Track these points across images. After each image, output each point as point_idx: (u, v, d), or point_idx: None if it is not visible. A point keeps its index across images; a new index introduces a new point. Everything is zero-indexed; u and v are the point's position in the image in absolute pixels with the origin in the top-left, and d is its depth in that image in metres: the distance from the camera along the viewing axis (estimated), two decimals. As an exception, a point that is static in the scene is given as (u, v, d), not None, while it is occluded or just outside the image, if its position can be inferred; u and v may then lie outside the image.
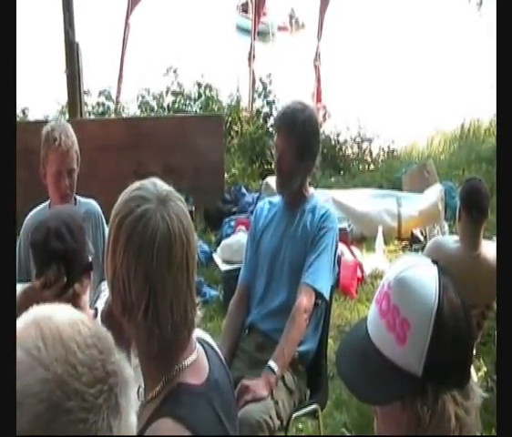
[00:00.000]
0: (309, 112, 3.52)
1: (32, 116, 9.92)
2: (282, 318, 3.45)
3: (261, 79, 11.15)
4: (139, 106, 10.73)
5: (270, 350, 3.44)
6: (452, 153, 11.15)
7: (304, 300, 3.37)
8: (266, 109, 10.92)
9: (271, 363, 3.24)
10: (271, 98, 10.98)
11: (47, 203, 3.60)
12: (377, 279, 6.32)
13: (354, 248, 6.87)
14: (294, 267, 3.49)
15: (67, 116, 8.99)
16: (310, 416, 3.73)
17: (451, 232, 6.83)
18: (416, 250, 6.92)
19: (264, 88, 11.07)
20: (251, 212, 6.52)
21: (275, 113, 9.47)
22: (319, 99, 12.04)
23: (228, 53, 18.91)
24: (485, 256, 3.85)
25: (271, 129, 9.93)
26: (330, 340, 4.14)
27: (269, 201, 3.78)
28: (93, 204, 3.69)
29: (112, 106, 10.64)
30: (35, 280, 2.46)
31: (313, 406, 3.55)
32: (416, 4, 28.32)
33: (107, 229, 3.62)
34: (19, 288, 2.48)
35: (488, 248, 3.84)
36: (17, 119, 9.22)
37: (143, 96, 10.77)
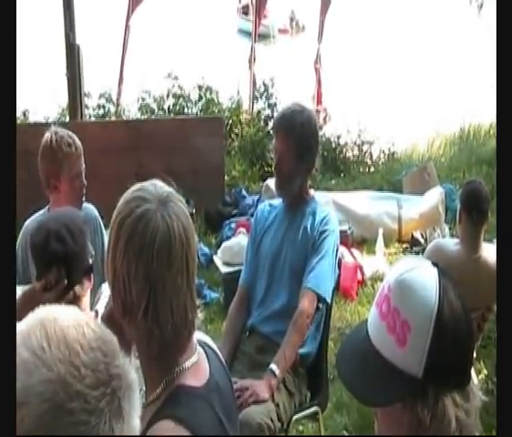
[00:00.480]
0: (307, 113, 3.52)
1: (32, 119, 9.92)
2: (283, 320, 3.45)
3: (263, 82, 11.15)
4: (140, 109, 10.73)
5: (270, 353, 3.45)
6: (452, 155, 11.14)
7: (306, 305, 3.37)
8: (267, 112, 10.93)
9: (273, 366, 3.24)
10: (271, 101, 10.98)
11: (46, 209, 3.60)
12: (377, 282, 6.32)
13: (355, 251, 6.87)
14: (295, 269, 3.49)
15: (68, 119, 9.00)
16: (310, 418, 3.74)
17: (451, 235, 6.83)
18: (417, 253, 6.91)
19: (265, 91, 11.07)
20: (252, 214, 6.53)
21: (276, 115, 9.47)
22: (319, 102, 12.04)
23: (228, 55, 18.91)
24: (485, 258, 3.85)
25: (271, 132, 9.91)
26: (330, 343, 4.14)
27: (269, 204, 3.78)
28: (91, 208, 3.69)
29: (113, 108, 10.64)
30: (36, 283, 2.45)
31: (314, 408, 3.55)
32: (417, 6, 28.33)
33: (105, 233, 3.64)
34: (19, 290, 2.48)
35: (489, 251, 3.84)
36: (18, 121, 9.23)
37: (143, 99, 10.77)
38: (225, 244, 6.60)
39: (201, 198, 7.67)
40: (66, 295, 2.44)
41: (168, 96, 10.77)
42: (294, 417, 3.40)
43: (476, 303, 3.76)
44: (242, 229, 6.84)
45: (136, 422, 1.13)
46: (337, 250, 3.57)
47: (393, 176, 9.40)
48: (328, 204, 6.83)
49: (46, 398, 1.02)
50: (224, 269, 6.27)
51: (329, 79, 12.55)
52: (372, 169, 10.45)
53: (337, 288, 5.72)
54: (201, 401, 1.73)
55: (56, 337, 1.07)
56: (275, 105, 10.82)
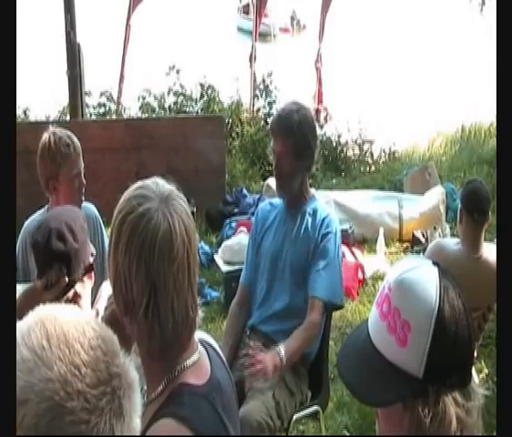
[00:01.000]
0: (303, 111, 3.49)
1: (33, 117, 9.93)
2: (284, 320, 3.45)
3: (263, 81, 11.15)
4: (141, 107, 10.73)
5: (271, 352, 3.45)
6: (453, 155, 11.14)
7: (317, 317, 3.39)
8: (267, 111, 10.92)
9: (281, 349, 3.21)
10: (272, 100, 10.98)
11: (45, 209, 3.60)
12: (378, 281, 6.32)
13: (356, 250, 6.87)
14: (296, 269, 3.48)
15: (68, 117, 9.01)
16: (311, 417, 3.74)
17: (452, 234, 6.83)
18: (418, 252, 6.90)
19: (266, 90, 11.07)
20: (252, 213, 6.52)
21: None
22: (320, 101, 12.05)
23: (229, 54, 18.92)
24: (486, 258, 3.84)
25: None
26: (331, 342, 4.15)
27: (270, 202, 3.78)
28: (91, 207, 3.68)
29: (113, 106, 10.65)
30: (37, 281, 2.46)
31: (315, 407, 3.55)
32: (418, 6, 28.33)
33: (105, 232, 3.64)
34: (20, 288, 2.48)
35: (490, 251, 3.83)
36: (19, 120, 9.23)
37: (144, 97, 10.77)
38: (226, 243, 6.60)
39: (202, 196, 7.68)
40: (66, 293, 2.45)
41: (168, 94, 10.77)
42: (295, 416, 3.40)
43: (477, 303, 3.76)
44: (243, 228, 6.83)
45: (136, 422, 1.13)
46: (340, 250, 3.58)
47: (393, 175, 9.41)
48: (329, 203, 6.83)
49: (46, 396, 1.02)
50: (225, 268, 6.27)
51: (330, 78, 12.56)
52: (372, 169, 10.44)
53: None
54: (202, 400, 1.73)
55: (57, 335, 1.07)
56: (275, 103, 10.81)
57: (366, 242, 7.46)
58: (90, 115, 10.04)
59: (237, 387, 2.13)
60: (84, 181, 3.55)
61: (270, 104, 10.98)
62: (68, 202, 3.36)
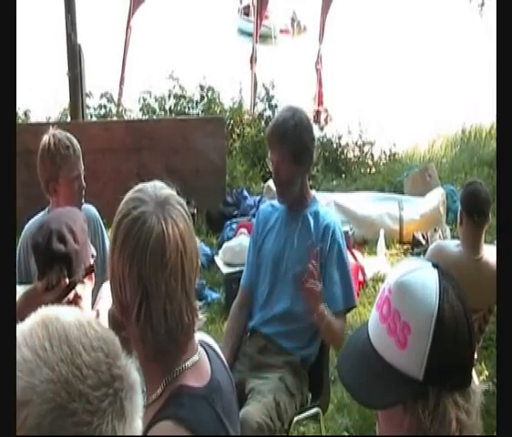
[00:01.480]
0: (298, 115, 3.46)
1: (34, 119, 9.92)
2: (285, 323, 3.46)
3: (263, 84, 11.15)
4: (141, 109, 10.72)
5: (272, 354, 3.45)
6: (454, 156, 11.14)
7: (342, 326, 3.44)
8: (268, 112, 10.92)
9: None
10: (272, 101, 10.98)
11: (46, 211, 3.60)
12: (379, 283, 6.32)
13: (356, 252, 6.86)
14: (297, 273, 3.47)
15: (69, 118, 9.01)
16: (311, 419, 3.74)
17: (453, 236, 6.83)
18: (418, 254, 6.91)
19: (266, 91, 11.07)
20: (253, 215, 6.53)
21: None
22: (320, 102, 12.06)
23: (230, 56, 18.92)
24: (486, 260, 3.84)
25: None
26: (331, 344, 4.13)
27: (271, 204, 3.77)
28: (91, 209, 3.68)
29: (114, 108, 10.64)
30: (38, 282, 2.46)
31: (315, 409, 3.55)
32: (418, 7, 28.33)
33: (105, 233, 3.64)
34: (21, 289, 2.48)
35: (490, 252, 3.83)
36: (19, 121, 9.24)
37: (145, 99, 10.77)
38: (226, 244, 6.60)
39: (203, 198, 7.68)
40: (67, 295, 2.45)
41: (169, 96, 10.77)
42: (295, 418, 3.40)
43: (478, 304, 3.76)
44: (243, 230, 6.83)
45: (138, 423, 1.13)
46: (346, 251, 3.63)
47: (394, 177, 9.40)
48: (329, 205, 6.83)
49: (47, 398, 1.02)
50: (225, 270, 6.27)
51: (330, 80, 12.57)
52: (373, 170, 10.43)
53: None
54: (202, 402, 1.73)
55: (58, 337, 1.07)
56: (275, 105, 10.81)
57: (367, 244, 7.46)
58: (91, 116, 10.04)
59: (237, 388, 2.13)
60: (84, 184, 3.55)
61: (270, 106, 10.97)
62: (68, 204, 3.35)
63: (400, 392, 1.45)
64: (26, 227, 3.53)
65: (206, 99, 10.76)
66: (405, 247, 7.45)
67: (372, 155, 10.71)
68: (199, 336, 1.88)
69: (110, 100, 10.59)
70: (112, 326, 1.72)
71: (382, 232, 7.08)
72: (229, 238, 6.97)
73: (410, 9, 28.44)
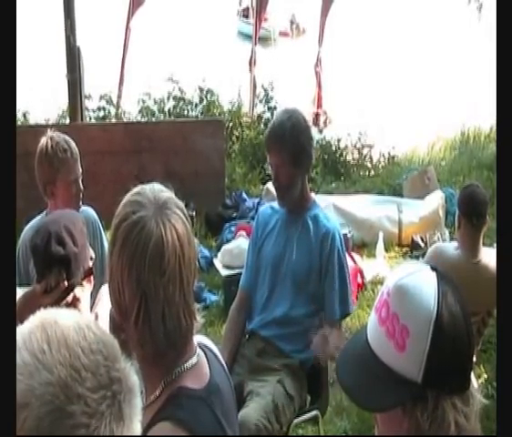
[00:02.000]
0: (295, 116, 3.46)
1: (33, 120, 9.93)
2: (284, 326, 3.46)
3: (262, 86, 11.15)
4: (140, 111, 10.73)
5: (270, 356, 3.45)
6: (453, 159, 11.14)
7: (340, 339, 3.38)
8: (267, 115, 10.92)
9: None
10: (272, 104, 10.98)
11: (44, 214, 3.60)
12: (378, 286, 6.32)
13: (355, 255, 6.86)
14: (297, 276, 3.48)
15: (68, 121, 9.01)
16: (310, 422, 3.74)
17: (452, 239, 6.82)
18: (417, 257, 6.91)
19: (265, 94, 11.08)
20: (252, 217, 6.53)
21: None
22: (320, 105, 12.07)
23: (229, 58, 18.92)
24: (485, 263, 3.84)
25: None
26: (330, 346, 4.13)
27: (271, 206, 3.76)
28: (90, 211, 3.68)
29: (113, 110, 10.64)
30: (36, 285, 2.45)
31: (314, 412, 3.55)
32: (417, 9, 28.36)
33: (104, 236, 3.63)
34: (20, 292, 2.48)
35: (489, 255, 3.84)
36: (18, 123, 9.24)
37: (144, 101, 10.77)
38: (225, 247, 6.59)
39: (202, 200, 7.68)
40: (66, 297, 2.44)
41: (168, 98, 10.77)
42: (294, 421, 3.40)
43: (476, 307, 3.76)
44: (242, 232, 6.83)
45: (137, 426, 1.13)
46: (345, 254, 3.62)
47: (393, 179, 9.40)
48: (328, 208, 6.83)
49: (46, 400, 1.02)
50: (224, 272, 6.27)
51: (329, 82, 12.57)
52: (372, 173, 10.44)
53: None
54: (201, 403, 1.73)
55: (57, 339, 1.07)
56: (275, 108, 10.81)
57: (365, 246, 7.46)
58: (90, 118, 10.03)
59: (236, 391, 2.13)
60: (81, 187, 3.55)
61: (270, 108, 10.98)
62: (66, 207, 3.36)
63: (399, 395, 1.45)
64: (25, 229, 3.53)
65: (205, 101, 10.76)
66: (404, 250, 7.45)
67: (371, 157, 10.72)
68: (198, 338, 1.88)
69: (109, 102, 10.59)
70: (113, 328, 1.72)
71: (381, 235, 7.08)
72: (228, 241, 6.97)
73: (409, 12, 28.48)
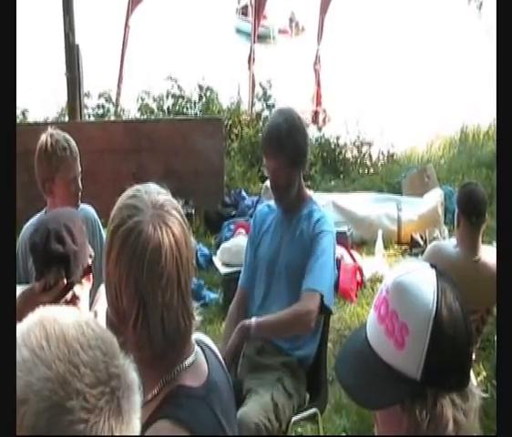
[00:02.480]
0: (290, 117, 3.44)
1: (32, 118, 9.92)
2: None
3: (260, 84, 11.15)
4: (139, 109, 10.73)
5: (270, 354, 3.45)
6: (452, 157, 11.15)
7: (311, 306, 3.31)
8: (266, 113, 10.91)
9: (252, 319, 3.30)
10: (271, 102, 10.98)
11: (43, 212, 3.60)
12: (377, 284, 6.31)
13: (354, 252, 6.87)
14: (292, 273, 3.47)
15: (67, 118, 9.01)
16: (309, 420, 3.73)
17: (451, 236, 6.82)
18: (416, 255, 6.91)
19: (264, 92, 11.07)
20: (251, 216, 6.52)
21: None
22: (319, 103, 12.07)
23: (227, 56, 18.93)
24: (484, 261, 3.84)
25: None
26: (329, 344, 4.14)
27: (268, 205, 3.77)
28: (89, 209, 3.68)
29: (112, 108, 10.65)
30: (35, 283, 2.45)
31: (313, 410, 3.54)
32: (417, 8, 28.35)
33: (104, 234, 3.63)
34: (19, 290, 2.47)
35: (488, 253, 3.84)
36: (17, 121, 9.23)
37: (143, 99, 10.77)
38: (224, 245, 6.59)
39: (201, 198, 7.68)
40: (65, 295, 2.44)
41: (167, 96, 10.77)
42: (293, 419, 3.40)
43: (476, 306, 3.76)
44: (241, 230, 6.83)
45: (136, 423, 1.13)
46: (334, 250, 3.56)
47: (392, 177, 9.41)
48: (327, 206, 6.83)
49: (44, 396, 1.02)
50: (223, 270, 6.27)
51: (328, 80, 12.57)
52: (371, 171, 10.44)
53: (336, 289, 5.72)
54: (200, 402, 1.73)
55: (56, 336, 1.07)
56: (274, 106, 10.81)
57: (365, 244, 7.46)
58: (89, 116, 10.04)
59: (235, 389, 2.13)
60: (80, 186, 3.55)
61: (268, 106, 10.97)
62: (65, 205, 3.36)
63: (398, 393, 1.45)
64: (24, 228, 3.53)
65: (204, 99, 10.76)
66: (404, 247, 7.46)
67: (370, 155, 10.72)
68: (197, 336, 1.88)
69: (108, 100, 10.60)
70: (110, 329, 1.72)
71: (380, 233, 7.08)
72: (227, 239, 6.97)
73: (408, 10, 28.46)
